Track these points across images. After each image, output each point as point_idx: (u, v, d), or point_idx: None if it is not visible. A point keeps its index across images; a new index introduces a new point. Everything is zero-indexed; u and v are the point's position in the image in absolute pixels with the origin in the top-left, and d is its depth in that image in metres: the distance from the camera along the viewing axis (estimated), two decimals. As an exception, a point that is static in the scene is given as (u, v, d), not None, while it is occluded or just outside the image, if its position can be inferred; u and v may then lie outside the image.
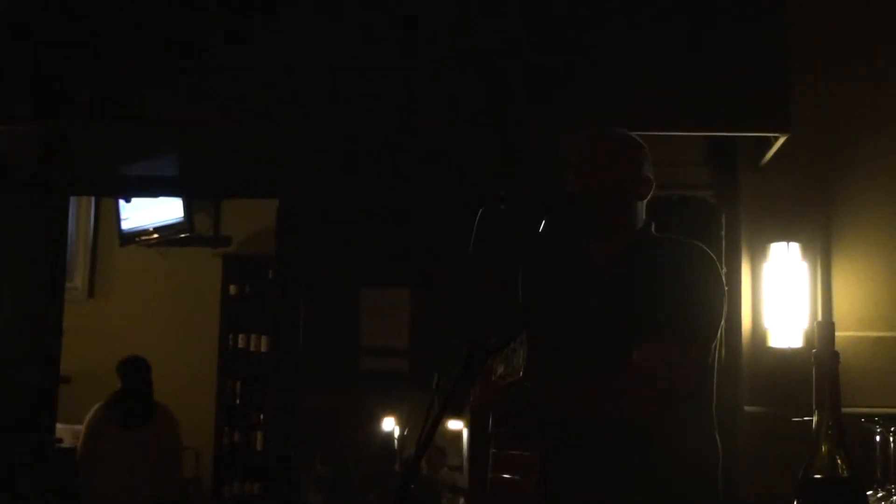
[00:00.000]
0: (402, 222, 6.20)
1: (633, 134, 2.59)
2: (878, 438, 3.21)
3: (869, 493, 3.08)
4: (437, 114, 4.33)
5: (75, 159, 4.93)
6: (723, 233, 4.49)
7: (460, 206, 2.49)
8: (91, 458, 6.05)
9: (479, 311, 2.50)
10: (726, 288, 2.51)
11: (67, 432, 6.56)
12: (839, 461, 1.51)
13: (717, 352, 2.46)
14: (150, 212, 7.36)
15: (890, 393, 4.18)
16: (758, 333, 4.42)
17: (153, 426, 6.11)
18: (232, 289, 7.48)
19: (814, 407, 1.54)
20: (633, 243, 2.51)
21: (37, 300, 4.86)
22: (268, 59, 4.34)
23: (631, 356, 2.34)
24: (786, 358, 4.31)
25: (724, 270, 2.55)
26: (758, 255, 4.45)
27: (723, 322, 2.45)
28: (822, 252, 4.43)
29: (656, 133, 3.08)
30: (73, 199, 5.97)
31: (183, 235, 7.39)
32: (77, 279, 7.64)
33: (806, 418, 1.59)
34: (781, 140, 4.23)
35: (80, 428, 6.73)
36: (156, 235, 7.44)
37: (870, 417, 3.18)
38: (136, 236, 7.50)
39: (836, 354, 1.54)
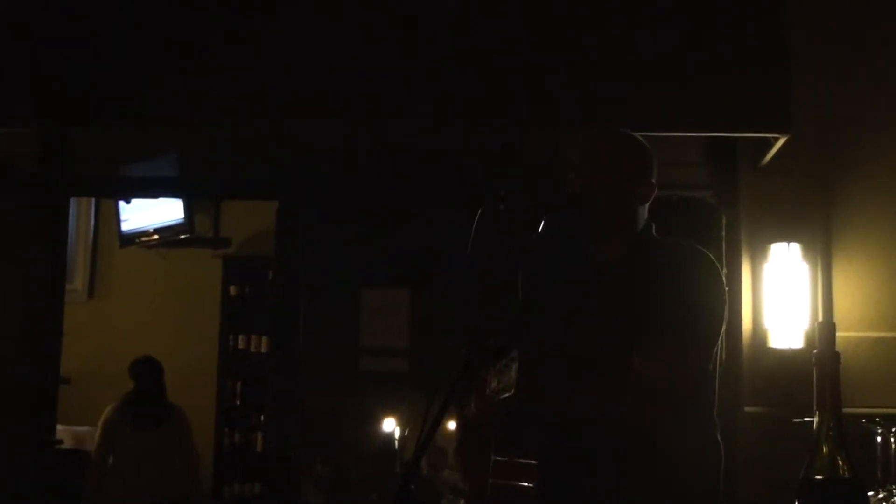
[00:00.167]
0: (402, 223, 6.20)
1: (635, 134, 2.58)
2: (878, 439, 3.20)
3: (870, 493, 3.07)
4: (438, 114, 4.33)
5: (75, 160, 4.92)
6: (723, 233, 4.49)
7: (460, 206, 2.48)
8: (106, 459, 6.07)
9: (479, 311, 2.49)
10: (727, 288, 2.51)
11: (67, 433, 6.56)
12: (840, 462, 1.51)
13: (717, 354, 2.45)
14: (150, 213, 7.36)
15: (891, 393, 4.18)
16: (758, 334, 4.41)
17: (168, 427, 6.15)
18: (232, 290, 7.48)
19: (814, 407, 1.53)
20: (634, 245, 2.50)
21: (37, 301, 4.85)
22: (268, 59, 4.34)
23: (631, 357, 2.34)
24: (786, 358, 4.31)
25: (725, 271, 2.55)
26: (758, 255, 4.45)
27: (724, 325, 2.45)
28: (822, 252, 4.43)
29: (656, 133, 3.07)
30: (73, 201, 5.96)
31: (183, 236, 7.40)
32: (77, 280, 7.64)
33: (807, 419, 1.59)
34: (782, 140, 4.23)
35: (81, 429, 6.75)
36: (156, 236, 7.44)
37: (871, 418, 3.17)
38: (136, 237, 7.50)
39: (836, 355, 1.53)
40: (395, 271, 6.89)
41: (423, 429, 2.10)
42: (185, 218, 7.30)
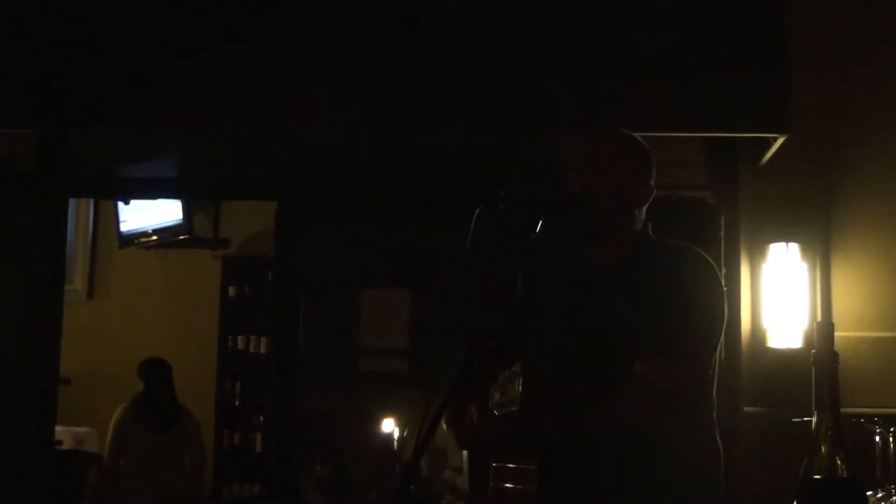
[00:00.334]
0: (402, 223, 6.20)
1: (635, 135, 2.58)
2: (877, 439, 3.20)
3: (868, 493, 3.07)
4: (437, 114, 4.33)
5: (74, 161, 4.92)
6: (722, 233, 4.49)
7: (460, 206, 2.48)
8: (118, 460, 6.10)
9: (479, 311, 2.49)
10: (725, 289, 2.50)
11: (67, 434, 6.56)
12: (839, 461, 1.51)
13: (718, 355, 2.45)
14: (149, 214, 7.36)
15: (889, 393, 4.18)
16: (757, 334, 4.41)
17: (179, 429, 6.19)
18: (231, 290, 7.48)
19: (813, 407, 1.54)
20: (632, 246, 2.50)
21: (36, 302, 4.85)
22: (268, 60, 4.34)
23: (632, 367, 2.33)
24: (785, 358, 4.31)
25: (724, 271, 2.55)
26: (757, 255, 4.45)
27: (724, 326, 2.45)
28: (821, 252, 4.43)
29: (656, 134, 3.07)
30: (72, 201, 5.96)
31: (182, 237, 7.40)
32: (76, 281, 7.64)
33: (805, 419, 1.59)
34: (781, 140, 4.22)
35: (81, 430, 6.76)
36: (155, 237, 7.44)
37: (869, 418, 3.17)
38: (135, 238, 7.50)
39: (835, 355, 1.54)
40: (395, 272, 6.90)
41: (422, 429, 2.10)
42: (184, 218, 7.30)
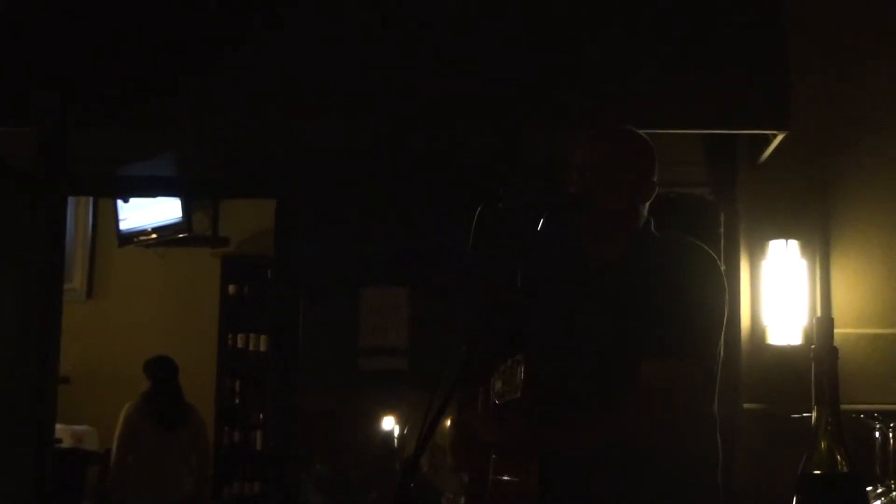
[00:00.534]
0: (402, 222, 6.21)
1: (637, 131, 2.57)
2: (877, 435, 3.21)
3: (868, 489, 3.08)
4: (438, 113, 4.33)
5: (73, 159, 4.92)
6: (721, 230, 4.49)
7: (460, 205, 2.48)
8: (127, 458, 6.11)
9: (479, 310, 2.49)
10: (726, 285, 2.50)
11: (66, 432, 6.57)
12: (838, 457, 1.51)
13: (720, 351, 2.45)
14: (148, 212, 7.36)
15: (889, 390, 4.18)
16: (757, 331, 4.42)
17: (188, 428, 6.21)
18: (231, 289, 7.49)
19: (813, 403, 1.54)
20: (634, 243, 2.49)
21: (35, 301, 4.85)
22: (268, 59, 4.33)
23: (635, 369, 2.32)
24: (785, 355, 4.31)
25: (723, 268, 2.54)
26: (756, 252, 4.45)
27: (724, 320, 2.45)
28: (820, 249, 4.43)
29: (655, 131, 3.07)
30: (71, 200, 5.96)
31: (181, 235, 7.40)
32: (76, 280, 7.64)
33: (805, 415, 1.59)
34: (780, 137, 4.22)
35: (80, 428, 6.77)
36: (154, 236, 7.44)
37: (869, 414, 3.18)
38: (134, 237, 7.50)
39: (834, 351, 1.54)
40: (395, 270, 6.90)
41: (422, 427, 2.10)
42: (183, 217, 7.30)
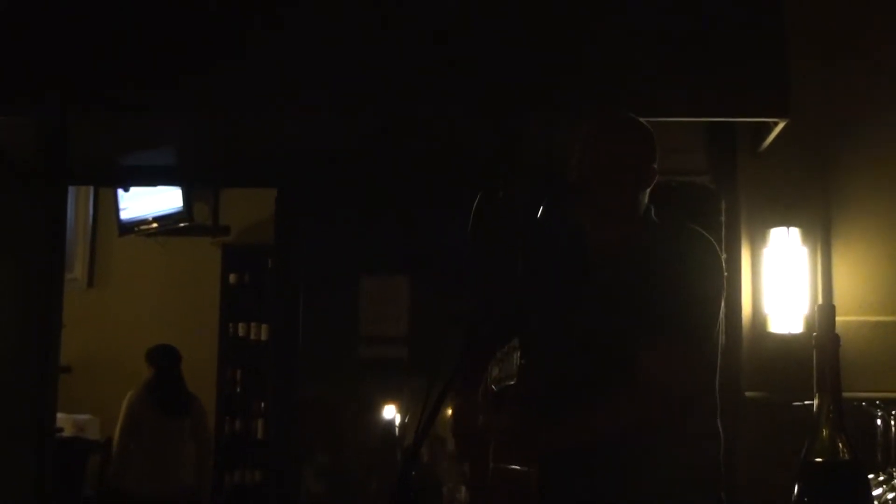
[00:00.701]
0: (402, 210, 6.20)
1: (638, 118, 2.56)
2: (878, 422, 3.21)
3: (870, 476, 3.08)
4: (437, 102, 4.31)
5: (74, 149, 4.91)
6: (722, 218, 4.48)
7: (460, 193, 2.47)
8: (130, 445, 6.13)
9: (478, 298, 2.49)
10: (726, 274, 2.50)
11: (68, 422, 6.58)
12: (840, 445, 1.51)
13: (720, 338, 2.45)
14: (148, 201, 7.36)
15: (890, 377, 4.18)
16: (758, 319, 4.41)
17: (190, 417, 6.23)
18: (231, 278, 7.49)
19: (814, 391, 1.54)
20: (634, 230, 2.49)
21: (36, 290, 4.85)
22: (268, 59, 4.32)
23: (635, 359, 2.32)
24: (786, 343, 4.31)
25: (724, 256, 2.53)
26: (758, 240, 4.44)
27: (723, 307, 2.44)
28: (822, 237, 4.43)
29: (655, 119, 3.06)
30: (71, 189, 5.95)
31: (182, 225, 7.40)
32: (77, 269, 7.65)
33: (807, 402, 1.59)
34: (781, 125, 4.22)
35: (82, 417, 6.78)
36: (155, 225, 7.44)
37: (870, 401, 3.18)
38: (135, 226, 7.50)
39: (836, 338, 1.53)
40: (395, 259, 6.89)
41: (422, 416, 2.10)
42: (183, 206, 7.30)
